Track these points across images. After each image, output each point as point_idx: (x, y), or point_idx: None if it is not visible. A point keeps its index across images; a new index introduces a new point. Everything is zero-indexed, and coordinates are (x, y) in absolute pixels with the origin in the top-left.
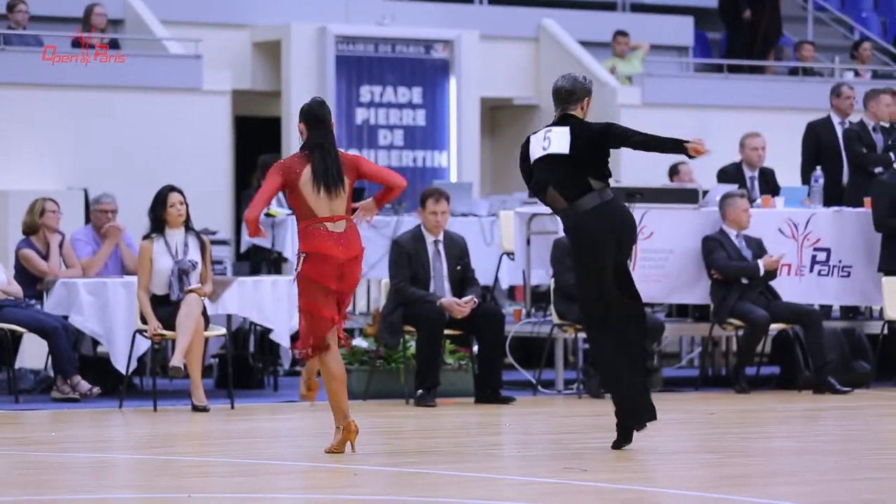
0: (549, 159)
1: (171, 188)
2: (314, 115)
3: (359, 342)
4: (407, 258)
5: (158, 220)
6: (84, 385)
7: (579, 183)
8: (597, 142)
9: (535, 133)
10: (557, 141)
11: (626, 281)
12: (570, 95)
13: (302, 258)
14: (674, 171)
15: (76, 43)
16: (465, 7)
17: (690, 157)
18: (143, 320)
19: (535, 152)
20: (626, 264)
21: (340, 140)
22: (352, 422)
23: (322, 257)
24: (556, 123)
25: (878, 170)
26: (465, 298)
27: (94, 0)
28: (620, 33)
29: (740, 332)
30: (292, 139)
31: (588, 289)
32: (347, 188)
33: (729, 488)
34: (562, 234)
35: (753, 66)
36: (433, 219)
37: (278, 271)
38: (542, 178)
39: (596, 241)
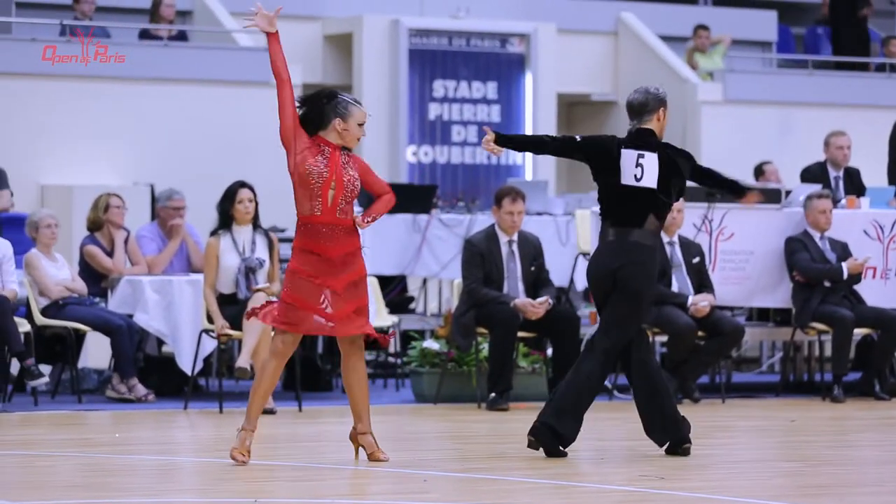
0: (634, 189)
1: (242, 184)
2: None
3: (430, 344)
4: (480, 258)
5: (226, 216)
6: (140, 389)
7: (641, 213)
8: (679, 183)
9: (624, 147)
10: (649, 171)
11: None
12: (642, 108)
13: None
14: (759, 171)
15: (143, 34)
16: (542, 0)
17: (740, 198)
18: (210, 319)
19: (626, 177)
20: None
21: (413, 135)
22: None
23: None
24: (642, 144)
25: None
26: (539, 300)
27: None
28: (701, 27)
29: (822, 337)
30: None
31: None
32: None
33: (811, 498)
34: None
35: (840, 62)
36: (509, 219)
37: None
38: (621, 203)
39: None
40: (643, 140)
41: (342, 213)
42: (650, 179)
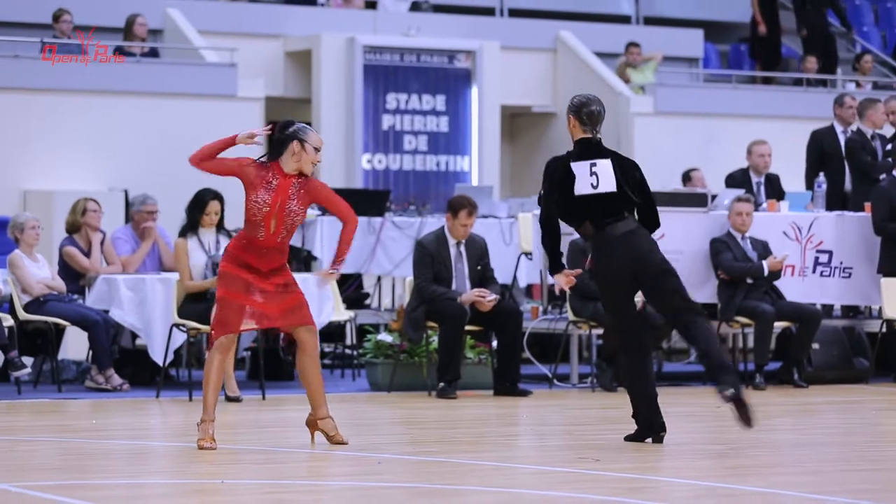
0: (596, 196)
1: (213, 195)
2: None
3: (384, 337)
4: (430, 258)
5: (194, 221)
6: (116, 379)
7: (615, 212)
8: (640, 187)
9: (571, 161)
10: (605, 178)
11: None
12: (601, 116)
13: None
14: (686, 177)
15: (119, 51)
16: (487, 19)
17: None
18: (180, 314)
19: (582, 188)
20: (659, 284)
21: (367, 144)
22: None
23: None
24: (592, 153)
25: (882, 177)
26: (489, 297)
27: (136, 11)
28: (633, 44)
29: (745, 330)
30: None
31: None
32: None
33: (734, 478)
34: (577, 235)
35: (761, 76)
36: (462, 230)
37: (308, 269)
38: (585, 211)
39: (620, 266)
40: (594, 149)
41: (283, 239)
42: (608, 184)
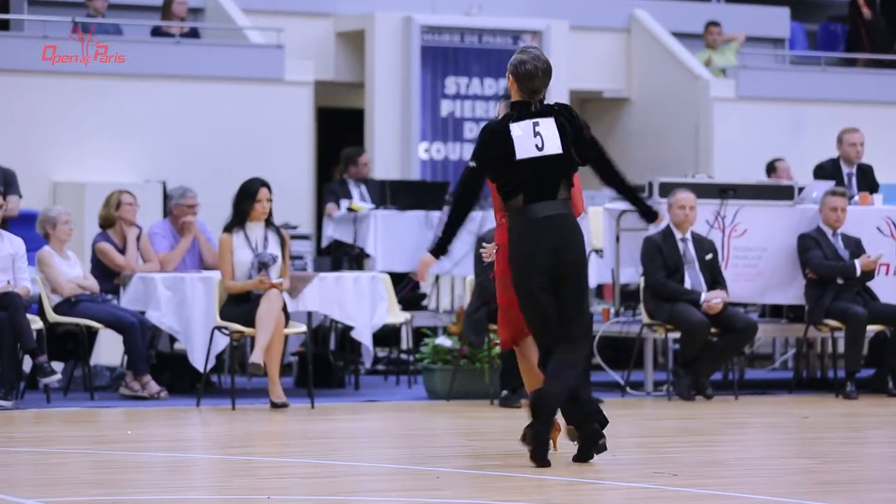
0: (540, 160)
1: (262, 183)
2: None
3: (442, 341)
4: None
5: (242, 213)
6: (153, 386)
7: (552, 185)
8: (585, 149)
9: (511, 122)
10: (550, 138)
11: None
12: (543, 74)
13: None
14: (771, 168)
15: (155, 31)
16: None
17: (649, 221)
18: (223, 316)
19: (525, 151)
20: (568, 287)
21: (425, 132)
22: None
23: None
24: (532, 111)
25: None
26: None
27: None
28: (713, 24)
29: (835, 334)
30: (375, 131)
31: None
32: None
33: (825, 495)
34: (652, 231)
35: (850, 58)
36: None
37: (360, 267)
38: (524, 180)
39: (539, 255)
40: (538, 107)
41: None
42: (553, 145)
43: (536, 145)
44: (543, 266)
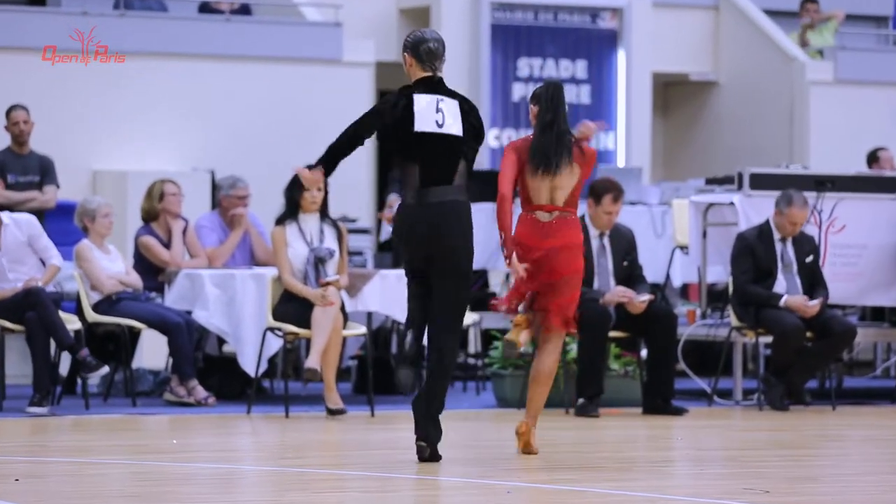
0: (437, 137)
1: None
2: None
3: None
4: None
5: (293, 203)
6: (200, 392)
7: (448, 167)
8: (476, 134)
9: (415, 93)
10: (452, 118)
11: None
12: (439, 53)
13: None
14: (872, 158)
15: (203, 8)
16: None
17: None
18: (276, 316)
19: (424, 125)
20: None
21: (496, 118)
22: (523, 423)
23: (524, 248)
24: (437, 91)
25: None
26: (642, 297)
27: None
28: (810, 1)
29: None
30: None
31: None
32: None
33: None
34: (744, 226)
35: None
36: (606, 218)
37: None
38: (416, 156)
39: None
40: (442, 87)
41: None
42: (454, 126)
43: (437, 121)
44: (421, 248)
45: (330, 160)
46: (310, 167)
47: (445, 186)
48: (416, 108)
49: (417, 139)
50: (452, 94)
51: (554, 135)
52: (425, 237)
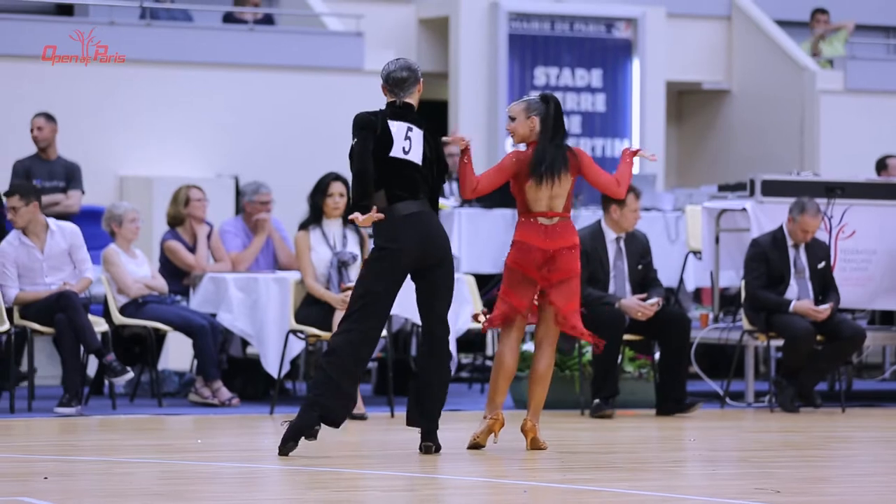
0: (402, 161)
1: (336, 177)
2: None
3: (530, 347)
4: (585, 256)
5: (317, 209)
6: (225, 393)
7: (411, 189)
8: (439, 163)
9: (391, 118)
10: (416, 148)
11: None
12: (403, 83)
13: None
14: (881, 165)
15: (227, 18)
16: None
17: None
18: (298, 319)
19: (395, 150)
20: (435, 279)
21: None
22: (500, 413)
23: (527, 247)
24: (406, 118)
25: None
26: (650, 301)
27: None
28: (820, 11)
29: None
30: (461, 123)
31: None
32: (568, 183)
33: None
34: (756, 232)
35: None
36: (633, 216)
37: None
38: (386, 178)
39: (400, 250)
40: (410, 114)
41: None
42: (416, 154)
43: (403, 148)
44: (410, 259)
45: (363, 194)
46: (352, 207)
47: (412, 201)
48: (393, 134)
49: (390, 161)
50: (420, 124)
51: (556, 147)
52: (416, 244)
